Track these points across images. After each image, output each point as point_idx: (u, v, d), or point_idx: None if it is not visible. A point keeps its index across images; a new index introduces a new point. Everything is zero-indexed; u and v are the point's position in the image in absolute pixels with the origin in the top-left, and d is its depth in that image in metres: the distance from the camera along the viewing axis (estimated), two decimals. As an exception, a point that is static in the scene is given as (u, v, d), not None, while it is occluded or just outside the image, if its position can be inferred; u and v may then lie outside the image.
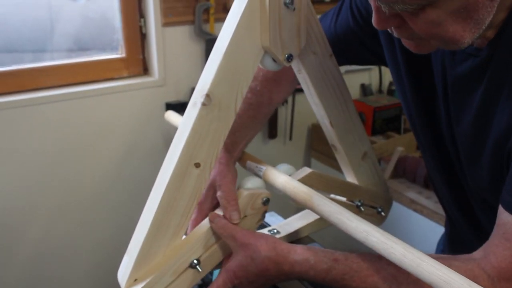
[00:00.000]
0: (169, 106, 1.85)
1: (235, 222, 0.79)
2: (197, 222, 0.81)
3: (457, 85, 0.75)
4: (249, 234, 0.76)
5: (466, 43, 0.62)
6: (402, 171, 1.87)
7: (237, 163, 0.94)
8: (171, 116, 1.43)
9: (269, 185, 0.90)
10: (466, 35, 0.61)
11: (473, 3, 0.58)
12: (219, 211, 0.82)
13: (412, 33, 0.63)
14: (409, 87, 0.85)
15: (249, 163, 0.93)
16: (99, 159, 1.80)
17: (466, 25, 0.60)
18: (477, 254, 0.68)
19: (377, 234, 0.66)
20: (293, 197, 0.82)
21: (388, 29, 0.66)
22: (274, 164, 0.91)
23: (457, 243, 1.00)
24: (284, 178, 0.85)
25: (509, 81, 0.66)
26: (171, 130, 1.85)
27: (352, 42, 0.94)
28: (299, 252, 0.73)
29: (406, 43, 0.68)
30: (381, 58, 0.90)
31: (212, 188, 0.84)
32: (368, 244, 0.67)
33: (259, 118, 0.97)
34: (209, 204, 0.85)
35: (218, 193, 0.82)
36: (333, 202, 0.75)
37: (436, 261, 0.60)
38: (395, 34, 0.66)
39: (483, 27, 0.61)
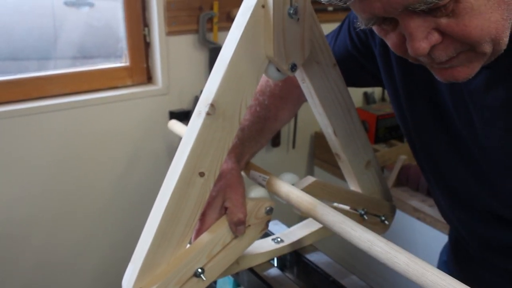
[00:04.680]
0: (173, 115, 1.85)
1: (241, 224, 0.81)
2: (201, 232, 0.80)
3: (474, 99, 0.72)
4: None
5: (506, 40, 0.58)
6: (405, 179, 1.87)
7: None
8: (175, 125, 1.43)
9: (272, 194, 0.90)
10: (506, 25, 0.56)
11: None
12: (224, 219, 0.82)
13: (455, 47, 0.57)
14: (408, 109, 0.84)
15: (253, 172, 0.93)
16: (103, 167, 1.80)
17: (501, 11, 0.55)
18: None
19: (381, 243, 0.66)
20: (297, 207, 0.82)
21: (422, 58, 0.60)
22: (277, 173, 0.91)
23: (462, 252, 0.99)
24: (287, 188, 0.85)
25: None
26: (175, 139, 1.87)
27: (351, 65, 0.94)
28: None
29: (443, 75, 0.62)
30: (380, 80, 0.90)
31: (221, 199, 0.82)
32: (372, 253, 0.67)
33: (266, 132, 0.96)
34: (215, 214, 0.81)
35: (227, 204, 0.81)
36: (337, 212, 0.75)
37: (440, 271, 0.60)
38: (436, 60, 0.60)
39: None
